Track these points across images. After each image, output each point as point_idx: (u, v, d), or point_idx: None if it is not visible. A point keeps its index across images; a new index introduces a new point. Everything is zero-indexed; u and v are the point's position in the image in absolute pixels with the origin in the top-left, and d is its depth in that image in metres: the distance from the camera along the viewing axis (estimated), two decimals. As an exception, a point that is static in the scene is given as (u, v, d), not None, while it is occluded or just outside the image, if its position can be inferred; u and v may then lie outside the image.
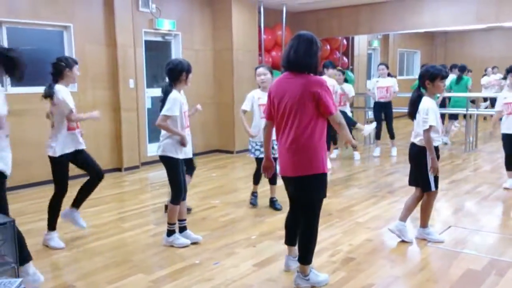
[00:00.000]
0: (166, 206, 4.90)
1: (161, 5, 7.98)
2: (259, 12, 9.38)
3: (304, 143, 3.11)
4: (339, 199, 5.71)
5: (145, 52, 7.87)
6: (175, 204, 4.13)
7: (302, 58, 3.14)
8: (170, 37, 8.45)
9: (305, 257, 3.32)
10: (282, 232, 4.50)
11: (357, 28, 10.28)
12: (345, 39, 11.99)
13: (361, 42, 12.60)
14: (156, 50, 8.39)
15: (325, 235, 4.44)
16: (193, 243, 4.24)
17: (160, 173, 7.30)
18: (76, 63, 4.48)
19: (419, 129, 4.02)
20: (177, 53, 8.49)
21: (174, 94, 4.01)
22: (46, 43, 6.97)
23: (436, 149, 4.04)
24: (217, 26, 8.97)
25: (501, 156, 8.36)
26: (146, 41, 7.92)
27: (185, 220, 4.35)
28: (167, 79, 4.17)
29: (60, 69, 4.38)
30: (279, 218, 4.98)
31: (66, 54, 6.96)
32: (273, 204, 5.37)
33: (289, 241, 3.60)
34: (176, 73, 4.05)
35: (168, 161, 4.11)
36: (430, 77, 3.95)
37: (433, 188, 4.09)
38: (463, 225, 4.70)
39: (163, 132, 4.12)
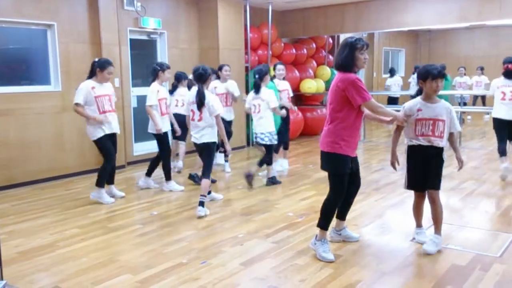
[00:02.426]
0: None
1: (146, 4, 7.93)
2: (245, 11, 9.38)
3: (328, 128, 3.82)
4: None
5: (130, 51, 7.80)
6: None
7: (335, 60, 3.81)
8: (155, 35, 8.40)
9: (318, 220, 3.93)
10: (269, 231, 4.54)
11: (342, 26, 10.32)
12: (330, 37, 12.04)
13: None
14: (142, 48, 8.33)
15: (312, 232, 4.44)
16: (181, 242, 4.23)
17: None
18: (110, 64, 5.52)
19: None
20: (162, 52, 8.44)
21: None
22: (29, 42, 6.88)
23: (417, 148, 4.01)
24: (203, 25, 8.94)
25: (485, 153, 8.49)
26: (131, 40, 7.86)
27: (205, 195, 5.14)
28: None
29: (92, 69, 5.49)
30: (266, 217, 4.99)
31: (50, 52, 6.89)
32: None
33: (336, 215, 4.11)
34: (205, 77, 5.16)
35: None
36: (422, 77, 3.92)
37: (403, 186, 4.18)
38: (449, 221, 4.74)
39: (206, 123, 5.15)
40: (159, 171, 6.38)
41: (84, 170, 7.24)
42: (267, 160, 6.37)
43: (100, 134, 5.49)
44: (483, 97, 13.08)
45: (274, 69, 7.34)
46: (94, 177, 7.08)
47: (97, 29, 7.23)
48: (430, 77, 3.83)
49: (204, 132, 5.16)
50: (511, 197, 5.58)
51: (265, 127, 6.26)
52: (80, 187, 6.49)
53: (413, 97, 4.09)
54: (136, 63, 8.03)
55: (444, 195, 5.76)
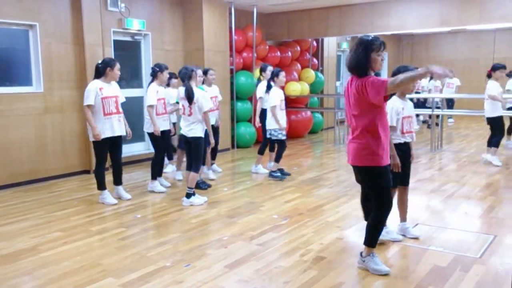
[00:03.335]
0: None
1: (130, 5, 7.88)
2: (230, 13, 9.39)
3: None
4: (310, 199, 5.77)
5: (114, 52, 7.74)
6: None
7: (348, 60, 3.48)
8: (139, 37, 8.36)
9: (365, 238, 3.66)
10: (254, 233, 4.55)
11: (326, 30, 10.41)
12: (315, 40, 12.11)
13: (330, 43, 12.76)
14: (126, 50, 8.27)
15: (296, 234, 4.49)
16: (165, 245, 4.22)
17: (131, 175, 7.24)
18: (116, 61, 5.64)
19: None
20: (147, 53, 8.40)
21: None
22: (10, 42, 6.78)
23: (401, 145, 4.13)
24: (188, 27, 8.93)
25: (465, 155, 8.63)
26: (115, 41, 7.80)
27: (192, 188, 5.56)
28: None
29: (98, 70, 5.53)
30: (251, 219, 5.00)
31: (32, 53, 6.80)
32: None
33: (365, 218, 3.98)
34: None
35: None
36: None
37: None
38: (430, 223, 4.82)
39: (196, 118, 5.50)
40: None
41: (67, 173, 7.16)
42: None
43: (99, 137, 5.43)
44: (451, 101, 13.16)
45: (262, 71, 7.36)
46: (78, 179, 7.08)
47: (80, 30, 7.17)
48: None
49: (192, 126, 5.50)
50: (490, 199, 5.68)
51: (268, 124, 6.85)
52: (63, 190, 6.42)
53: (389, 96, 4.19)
54: (120, 65, 7.94)
55: (425, 197, 5.87)
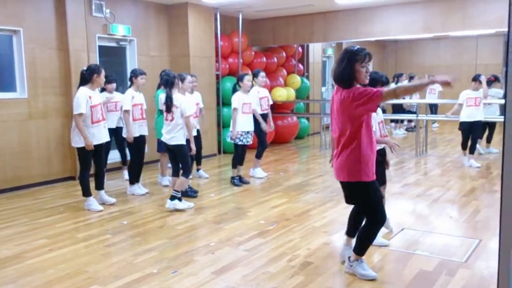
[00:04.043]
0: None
1: (115, 11, 7.84)
2: (216, 19, 9.40)
3: None
4: (296, 204, 5.78)
5: (99, 58, 7.69)
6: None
7: (333, 71, 3.40)
8: (125, 42, 8.32)
9: (355, 246, 3.62)
10: (241, 239, 4.54)
11: (312, 36, 10.47)
12: (300, 46, 12.18)
13: (315, 50, 12.84)
14: (111, 55, 8.23)
15: (283, 240, 4.49)
16: (151, 251, 4.19)
17: (116, 182, 7.18)
18: (102, 67, 5.64)
19: None
20: (132, 59, 8.36)
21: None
22: (-7, 47, 6.71)
23: (381, 151, 4.18)
24: (173, 32, 8.91)
25: (450, 160, 8.74)
26: (100, 46, 7.75)
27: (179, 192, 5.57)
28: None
29: (83, 77, 5.50)
30: (238, 225, 5.00)
31: (16, 58, 6.72)
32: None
33: (347, 232, 3.96)
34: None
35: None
36: (371, 84, 4.09)
37: None
38: (415, 227, 4.87)
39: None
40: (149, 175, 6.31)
41: (52, 180, 7.08)
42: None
43: (83, 144, 5.40)
44: (435, 106, 13.45)
45: (254, 76, 7.34)
46: (63, 185, 7.00)
47: (64, 35, 7.11)
48: (379, 84, 4.10)
49: (174, 134, 5.48)
50: (475, 204, 5.76)
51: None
52: (48, 197, 6.34)
53: None
54: (105, 70, 7.89)
55: (410, 202, 5.93)
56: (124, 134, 6.23)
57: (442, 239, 4.55)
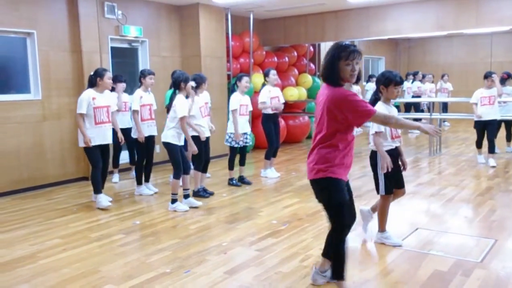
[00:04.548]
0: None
1: (127, 12, 7.89)
2: (227, 19, 9.40)
3: None
4: (308, 204, 5.75)
5: (111, 59, 7.75)
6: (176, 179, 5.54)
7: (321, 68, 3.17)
8: (137, 43, 8.36)
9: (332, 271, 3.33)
10: (253, 238, 4.53)
11: (323, 35, 10.43)
12: (311, 46, 12.14)
13: (327, 49, 12.69)
14: (123, 56, 8.28)
15: (296, 240, 4.47)
16: (164, 251, 4.20)
17: (128, 182, 7.22)
18: (107, 70, 5.75)
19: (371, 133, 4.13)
20: (144, 59, 8.40)
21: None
22: (8, 50, 6.77)
23: (393, 151, 4.13)
24: (185, 33, 8.94)
25: (464, 159, 8.64)
26: (112, 48, 7.81)
27: (188, 189, 5.70)
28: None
29: (91, 80, 5.68)
30: (250, 225, 4.99)
31: (30, 60, 6.80)
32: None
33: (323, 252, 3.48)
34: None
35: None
36: (384, 83, 4.06)
37: (382, 192, 4.19)
38: (430, 227, 4.81)
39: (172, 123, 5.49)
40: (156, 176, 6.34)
41: (65, 180, 7.15)
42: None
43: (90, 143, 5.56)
44: (445, 105, 13.42)
45: (265, 76, 7.30)
46: (76, 186, 7.06)
47: (77, 37, 7.17)
48: (393, 83, 4.02)
49: (165, 131, 5.54)
50: (490, 203, 5.68)
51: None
52: (62, 197, 6.40)
53: (373, 101, 4.16)
54: (117, 72, 7.94)
55: (425, 201, 5.87)
56: (133, 135, 6.26)
57: (457, 239, 4.49)
